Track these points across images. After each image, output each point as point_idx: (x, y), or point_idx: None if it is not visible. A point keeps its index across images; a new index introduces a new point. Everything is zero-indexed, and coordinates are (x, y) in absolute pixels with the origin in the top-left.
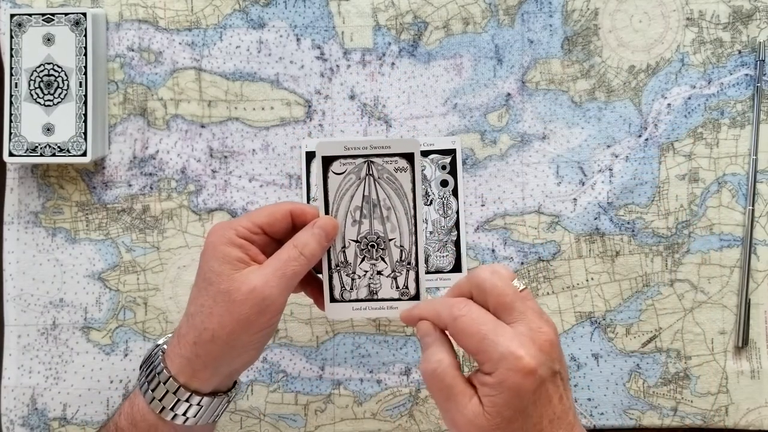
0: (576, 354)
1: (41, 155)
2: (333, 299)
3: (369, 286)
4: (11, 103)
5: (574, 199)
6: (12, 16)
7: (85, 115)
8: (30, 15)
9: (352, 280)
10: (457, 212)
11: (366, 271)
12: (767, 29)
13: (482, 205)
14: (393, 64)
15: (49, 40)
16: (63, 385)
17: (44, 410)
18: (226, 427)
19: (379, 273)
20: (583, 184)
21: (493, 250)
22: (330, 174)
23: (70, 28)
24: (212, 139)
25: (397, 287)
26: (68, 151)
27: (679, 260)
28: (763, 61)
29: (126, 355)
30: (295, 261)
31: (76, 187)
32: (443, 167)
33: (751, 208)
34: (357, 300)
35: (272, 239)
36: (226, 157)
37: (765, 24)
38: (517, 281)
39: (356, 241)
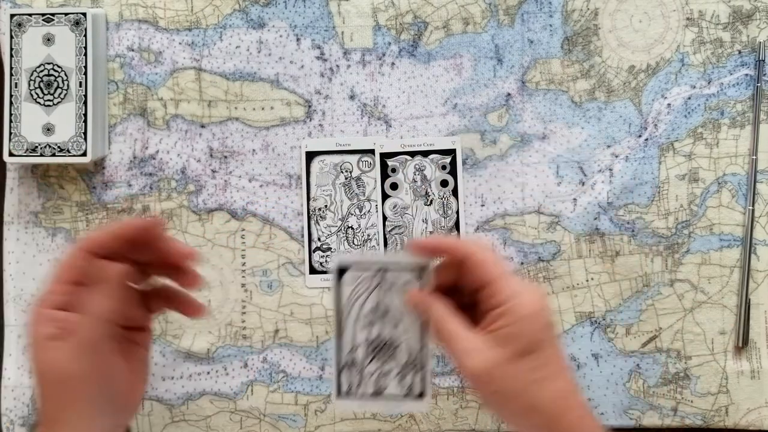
0: (576, 354)
1: (41, 155)
2: (340, 394)
3: (376, 384)
4: (11, 103)
5: (574, 199)
6: (12, 16)
7: (85, 115)
8: (30, 15)
9: (361, 377)
10: (457, 212)
11: (373, 371)
12: (767, 29)
13: (482, 205)
14: (393, 64)
15: (49, 40)
16: None
17: None
18: (226, 428)
19: (387, 373)
20: (583, 184)
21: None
22: (343, 283)
23: (70, 28)
24: (212, 139)
25: (403, 386)
26: (68, 151)
27: (679, 260)
28: (763, 61)
29: None
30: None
31: (76, 187)
32: (443, 167)
33: (751, 208)
34: (364, 396)
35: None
36: (226, 157)
37: (765, 24)
38: None
39: (366, 344)
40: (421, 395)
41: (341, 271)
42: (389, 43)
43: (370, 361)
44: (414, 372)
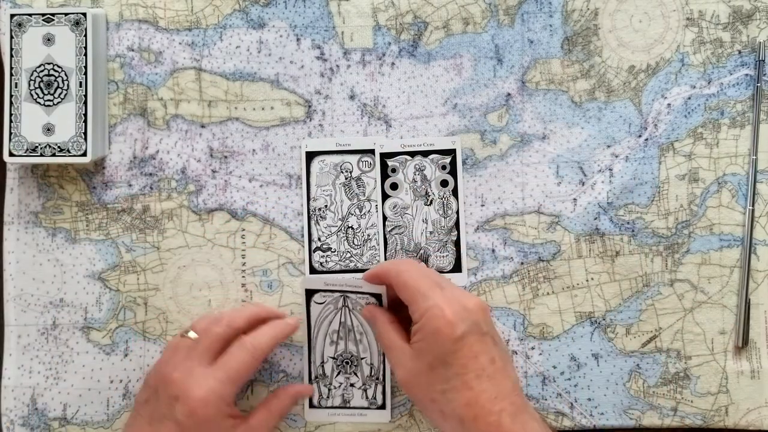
0: (576, 354)
1: (41, 155)
2: (312, 405)
3: (343, 396)
4: (11, 103)
5: (574, 199)
6: (12, 16)
7: (85, 115)
8: (30, 15)
9: (329, 390)
10: (457, 212)
11: (341, 383)
12: (767, 29)
13: (482, 205)
14: (393, 64)
15: (49, 40)
16: (63, 385)
17: (44, 410)
18: None
19: (352, 385)
20: (583, 184)
21: (493, 250)
22: (312, 303)
23: (70, 28)
24: (212, 139)
25: (367, 398)
26: (68, 151)
27: (679, 260)
28: (763, 61)
29: (126, 355)
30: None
31: (76, 187)
32: (443, 167)
33: (751, 208)
34: (332, 407)
35: None
36: (226, 157)
37: (765, 24)
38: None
39: (333, 358)
40: (383, 406)
41: (310, 293)
42: (389, 43)
43: (338, 374)
44: (375, 384)
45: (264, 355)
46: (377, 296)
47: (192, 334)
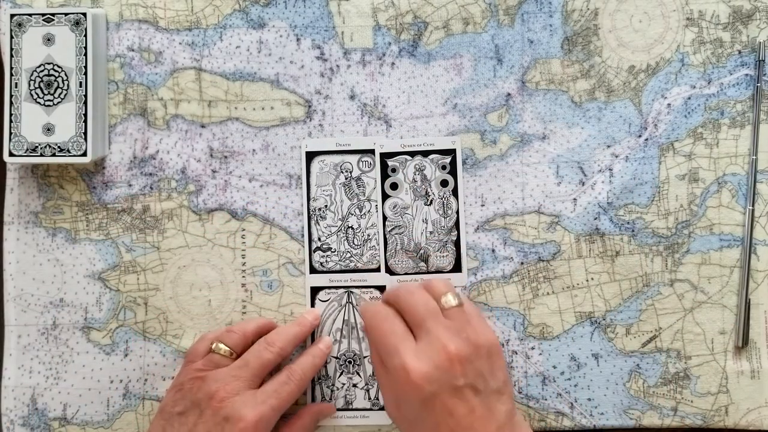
0: (576, 354)
1: (41, 155)
2: None
3: (345, 397)
4: (11, 103)
5: (574, 199)
6: (12, 16)
7: (85, 115)
8: (30, 15)
9: (332, 391)
10: (457, 212)
11: (343, 384)
12: (767, 29)
13: (482, 205)
14: (393, 64)
15: (49, 40)
16: (63, 385)
17: (44, 410)
18: None
19: (355, 386)
20: (583, 184)
21: (493, 250)
22: (317, 301)
23: (70, 28)
24: (212, 139)
25: (369, 399)
26: (68, 151)
27: (679, 260)
28: (763, 61)
29: (126, 355)
30: None
31: (76, 187)
32: (443, 167)
33: (751, 208)
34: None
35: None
36: (226, 157)
37: (765, 24)
38: (452, 297)
39: (336, 358)
40: (384, 407)
41: (314, 290)
42: (389, 43)
43: (340, 374)
44: (377, 384)
45: (306, 385)
46: (382, 288)
47: (223, 348)
